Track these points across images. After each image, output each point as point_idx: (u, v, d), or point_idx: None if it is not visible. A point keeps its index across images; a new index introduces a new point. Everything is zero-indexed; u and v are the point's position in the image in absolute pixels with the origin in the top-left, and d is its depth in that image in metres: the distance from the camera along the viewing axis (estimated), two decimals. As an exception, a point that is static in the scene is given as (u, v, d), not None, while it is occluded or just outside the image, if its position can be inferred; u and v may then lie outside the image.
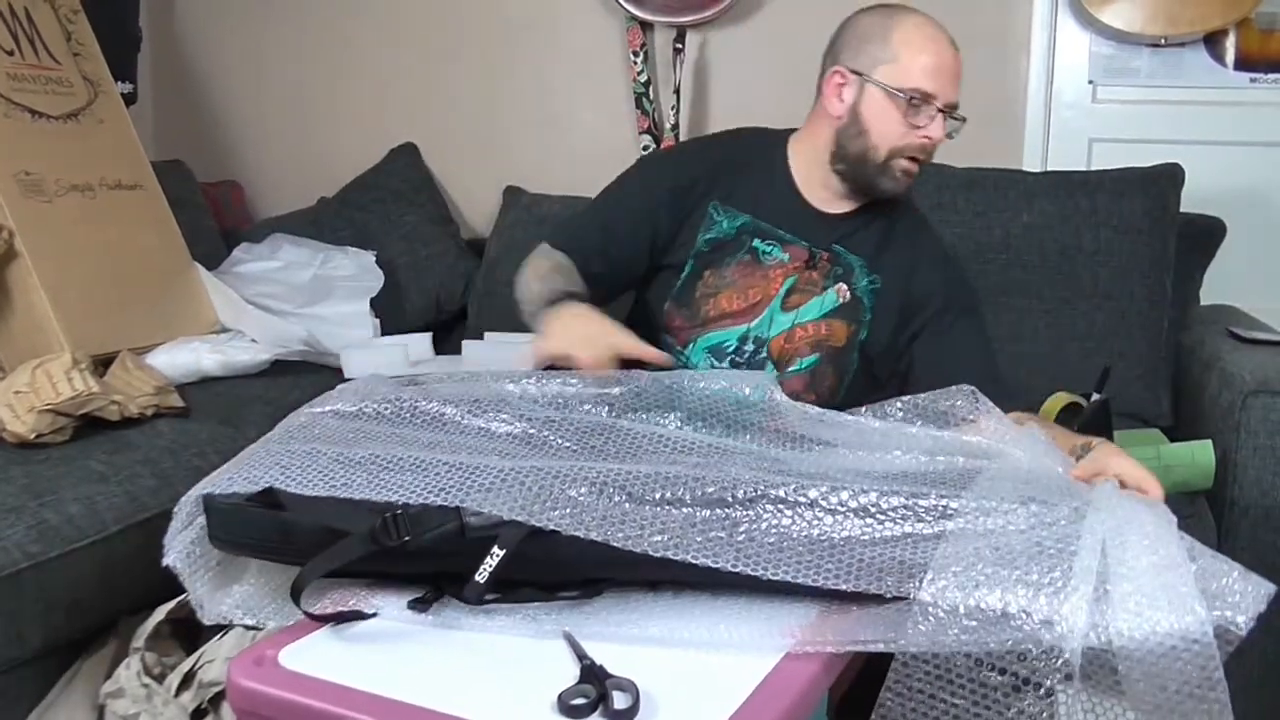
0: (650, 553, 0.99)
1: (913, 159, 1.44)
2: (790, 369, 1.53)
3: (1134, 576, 0.94)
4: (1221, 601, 0.94)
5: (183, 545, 1.14)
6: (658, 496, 1.02)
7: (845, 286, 1.51)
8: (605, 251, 1.55)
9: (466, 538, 1.01)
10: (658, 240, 1.55)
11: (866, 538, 1.00)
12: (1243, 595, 0.94)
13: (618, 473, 1.04)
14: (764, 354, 1.52)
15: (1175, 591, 0.93)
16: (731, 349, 1.52)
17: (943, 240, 1.63)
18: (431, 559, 1.04)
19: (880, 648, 0.94)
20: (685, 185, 1.54)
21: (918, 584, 0.96)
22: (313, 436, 1.18)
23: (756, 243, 1.51)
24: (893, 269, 1.52)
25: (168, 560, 1.13)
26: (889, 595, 0.98)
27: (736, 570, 0.99)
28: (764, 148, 1.56)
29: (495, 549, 1.00)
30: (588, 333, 1.30)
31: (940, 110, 1.40)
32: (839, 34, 1.51)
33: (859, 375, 1.55)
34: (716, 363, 1.53)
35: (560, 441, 1.18)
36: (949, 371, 1.41)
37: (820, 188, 1.52)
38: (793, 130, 1.59)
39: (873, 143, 1.44)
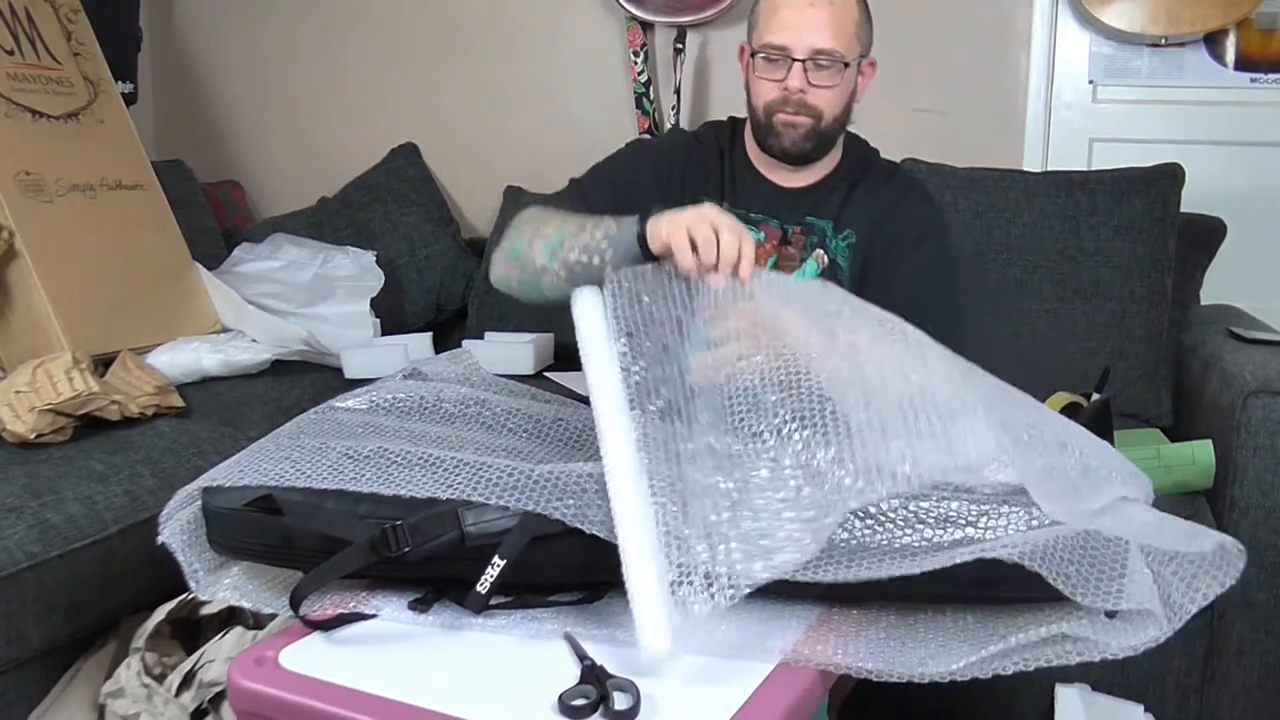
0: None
1: (790, 112, 1.44)
2: None
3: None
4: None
5: (179, 524, 1.13)
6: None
7: (821, 252, 1.50)
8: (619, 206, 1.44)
9: (467, 547, 1.01)
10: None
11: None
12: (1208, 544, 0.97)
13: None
14: None
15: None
16: None
17: (925, 185, 1.61)
18: (432, 565, 1.04)
19: (869, 674, 0.94)
20: (666, 175, 1.54)
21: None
22: (322, 431, 1.18)
23: None
24: (865, 219, 1.51)
25: (162, 538, 1.12)
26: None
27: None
28: (729, 136, 1.58)
29: (496, 559, 1.00)
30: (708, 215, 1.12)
31: (800, 60, 1.41)
32: None
33: None
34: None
35: (566, 438, 1.18)
36: (904, 305, 1.37)
37: (770, 164, 1.53)
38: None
39: (754, 104, 1.49)
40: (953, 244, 1.56)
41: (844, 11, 1.42)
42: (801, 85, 1.42)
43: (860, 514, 1.00)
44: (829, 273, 1.50)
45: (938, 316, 1.37)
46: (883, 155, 1.62)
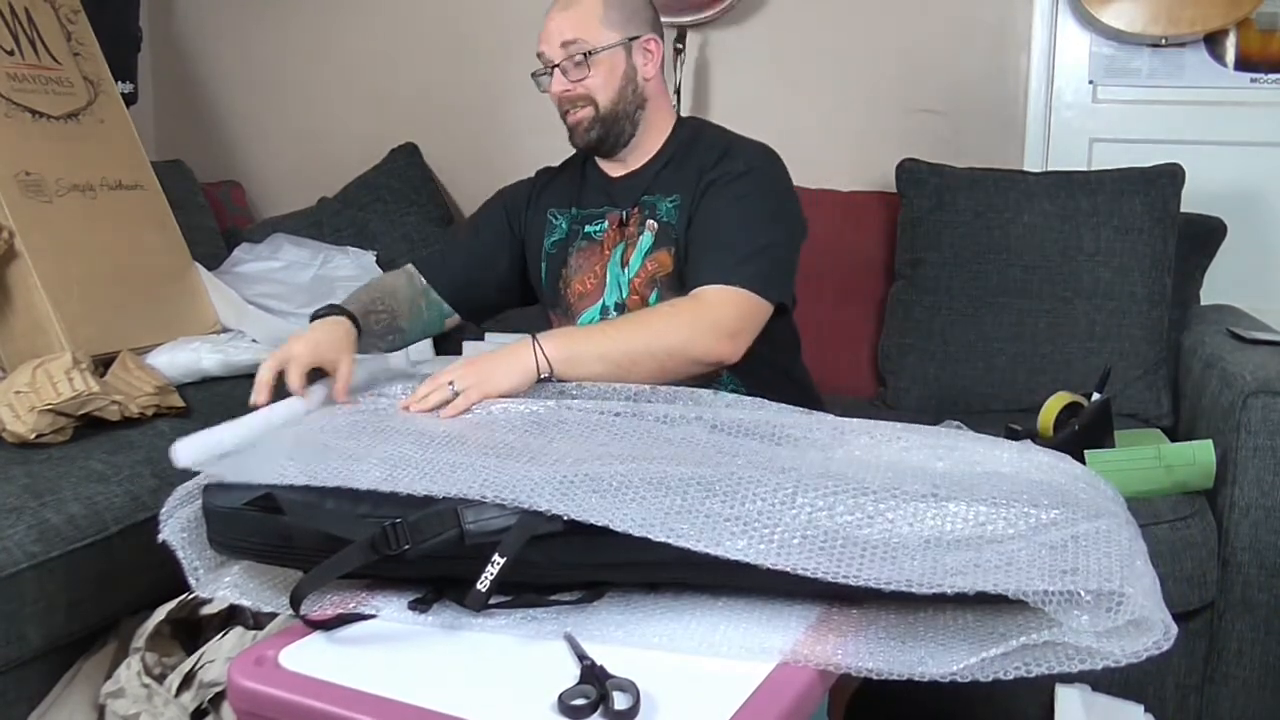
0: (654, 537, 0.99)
1: (569, 110, 1.60)
2: None
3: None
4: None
5: (179, 522, 1.13)
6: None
7: (652, 221, 1.60)
8: (469, 260, 1.72)
9: (466, 545, 1.01)
10: (518, 244, 1.72)
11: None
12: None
13: (642, 472, 1.04)
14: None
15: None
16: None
17: (760, 145, 1.63)
18: (432, 564, 1.04)
19: (869, 674, 0.95)
20: (524, 198, 1.73)
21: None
22: (323, 430, 1.18)
23: (586, 228, 1.65)
24: (690, 179, 1.59)
25: (162, 536, 1.12)
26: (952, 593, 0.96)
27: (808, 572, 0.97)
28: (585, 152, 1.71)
29: (496, 557, 1.00)
30: (294, 339, 1.41)
31: (556, 64, 1.57)
32: None
33: None
34: None
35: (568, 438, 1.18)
36: (694, 238, 1.54)
37: (605, 162, 1.67)
38: None
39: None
40: (770, 188, 1.58)
41: (580, 10, 1.56)
42: (562, 86, 1.58)
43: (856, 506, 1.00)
44: (662, 234, 1.59)
45: (729, 244, 1.50)
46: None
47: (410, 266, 1.71)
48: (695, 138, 1.64)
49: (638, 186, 1.63)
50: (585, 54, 1.55)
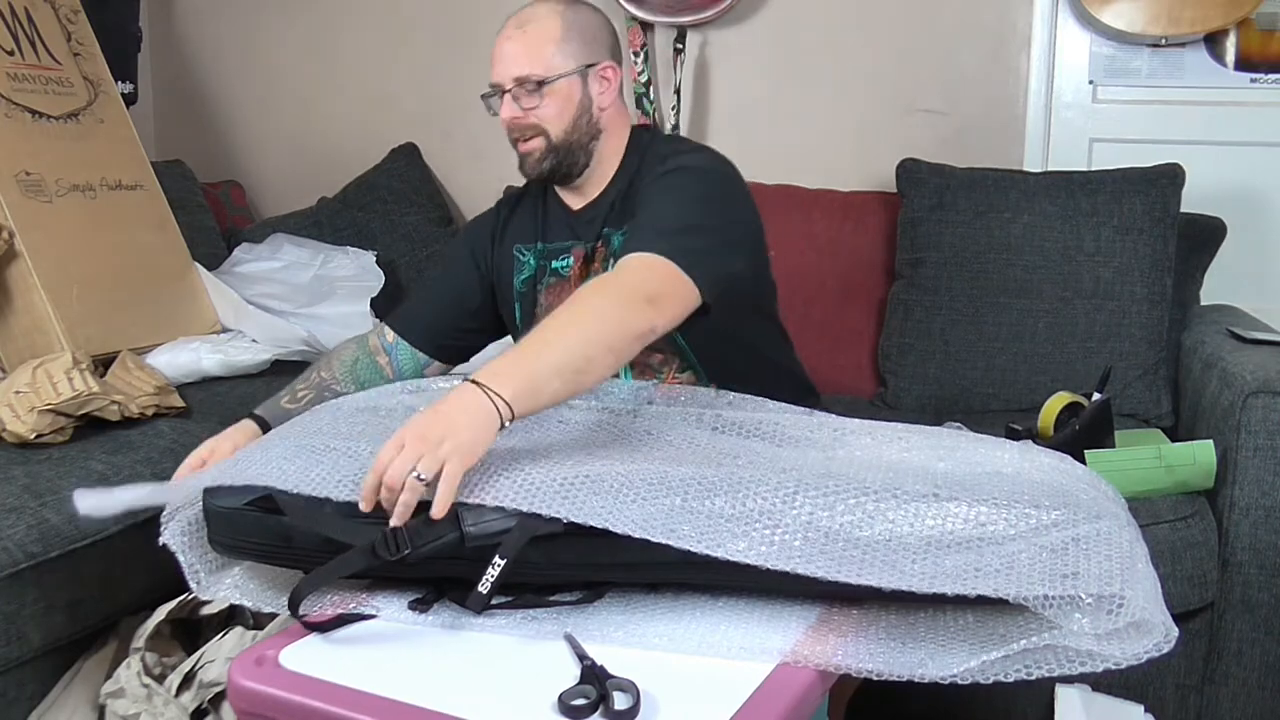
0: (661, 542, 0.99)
1: (519, 138, 1.52)
2: None
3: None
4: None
5: (180, 525, 1.14)
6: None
7: (613, 260, 1.51)
8: (442, 307, 1.65)
9: (467, 548, 1.01)
10: (487, 283, 1.65)
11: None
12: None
13: (642, 473, 1.04)
14: None
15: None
16: None
17: (698, 146, 1.59)
18: (432, 565, 1.04)
19: (869, 675, 0.95)
20: (488, 236, 1.65)
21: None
22: (322, 431, 1.18)
23: (553, 264, 1.58)
24: (636, 207, 1.51)
25: (163, 539, 1.12)
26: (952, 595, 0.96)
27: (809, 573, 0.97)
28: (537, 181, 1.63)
29: (497, 558, 1.00)
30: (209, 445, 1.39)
31: (508, 90, 1.50)
32: None
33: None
34: None
35: (568, 439, 1.18)
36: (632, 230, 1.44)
37: (565, 192, 1.60)
38: None
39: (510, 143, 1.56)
40: (703, 178, 1.49)
41: (536, 35, 1.49)
42: (512, 113, 1.50)
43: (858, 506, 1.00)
44: None
45: (649, 221, 1.41)
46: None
47: (380, 324, 1.66)
48: (644, 158, 1.55)
49: (597, 218, 1.56)
50: (539, 83, 1.47)
